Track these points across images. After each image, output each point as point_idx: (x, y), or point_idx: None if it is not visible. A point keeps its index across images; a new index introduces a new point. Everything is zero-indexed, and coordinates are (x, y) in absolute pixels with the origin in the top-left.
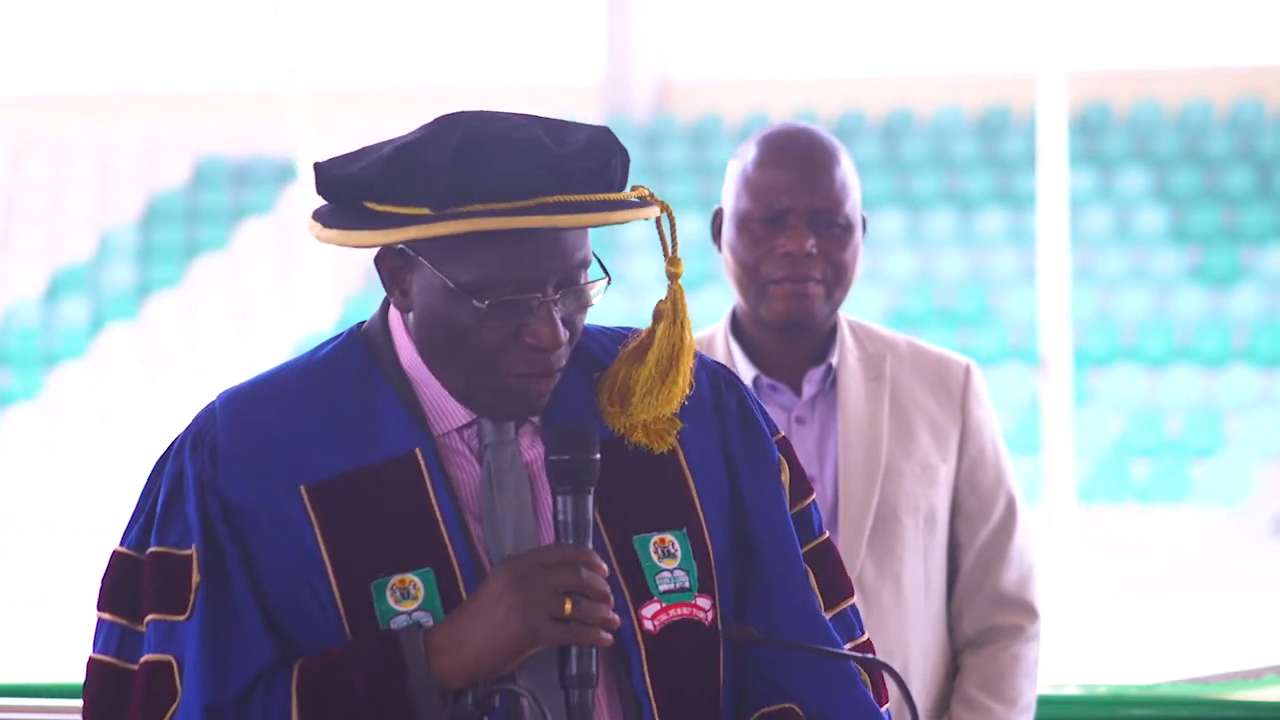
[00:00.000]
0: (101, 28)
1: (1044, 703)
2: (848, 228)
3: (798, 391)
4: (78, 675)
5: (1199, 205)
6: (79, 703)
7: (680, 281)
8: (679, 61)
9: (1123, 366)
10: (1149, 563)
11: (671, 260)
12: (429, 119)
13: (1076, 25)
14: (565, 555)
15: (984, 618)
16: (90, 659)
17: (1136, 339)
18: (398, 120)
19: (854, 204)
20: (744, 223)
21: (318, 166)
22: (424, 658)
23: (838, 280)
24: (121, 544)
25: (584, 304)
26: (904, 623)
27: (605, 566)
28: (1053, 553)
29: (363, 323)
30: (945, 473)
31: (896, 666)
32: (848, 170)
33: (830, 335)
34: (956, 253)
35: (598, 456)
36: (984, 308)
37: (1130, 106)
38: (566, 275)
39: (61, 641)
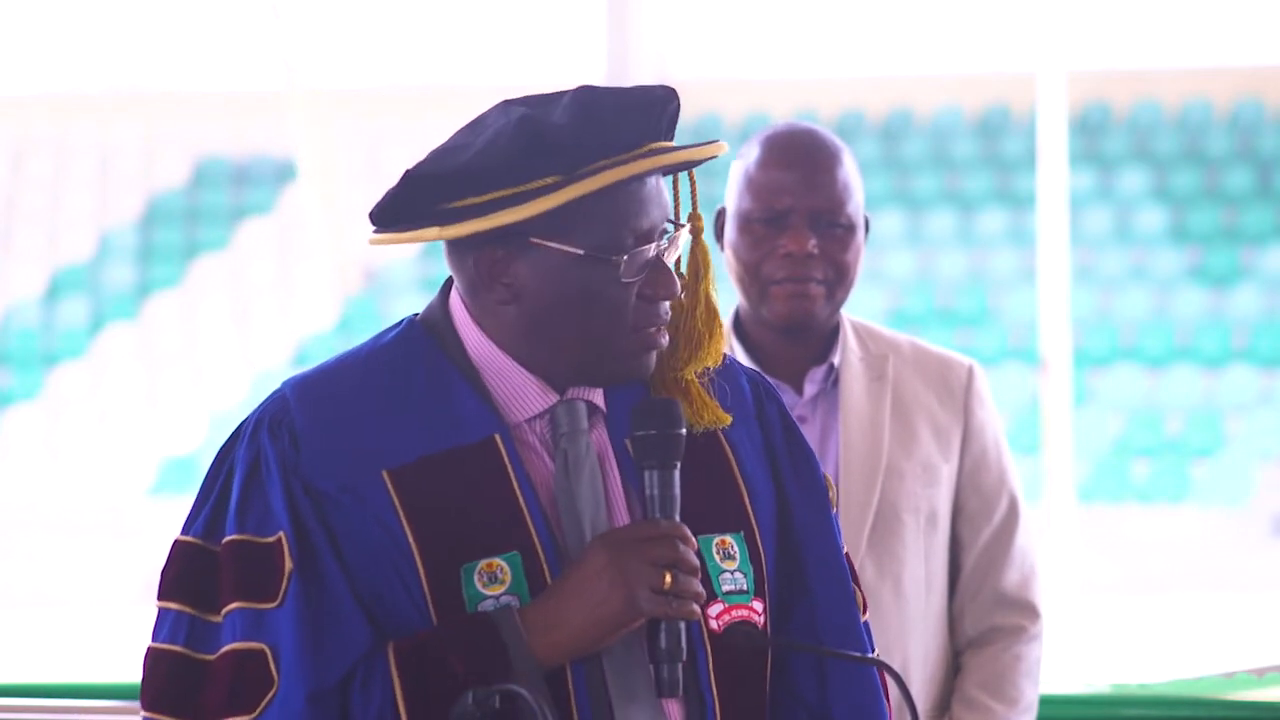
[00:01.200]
0: (101, 28)
1: (1044, 703)
2: (849, 228)
3: (799, 391)
4: (78, 675)
5: (1199, 205)
6: (79, 703)
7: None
8: (679, 61)
9: (1123, 366)
10: (1149, 563)
11: (694, 216)
12: (426, 119)
13: (1076, 25)
14: (661, 529)
15: (985, 618)
16: (151, 649)
17: (1136, 339)
18: (397, 120)
19: (856, 205)
20: (746, 223)
21: (412, 174)
22: (524, 638)
23: (839, 281)
24: (185, 533)
25: (675, 256)
26: (905, 622)
27: (694, 540)
28: (1053, 553)
29: (416, 315)
30: (947, 472)
31: (897, 666)
32: (850, 171)
33: (833, 335)
34: (956, 253)
35: (684, 431)
36: (984, 308)
37: (1130, 106)
38: (665, 225)
39: (61, 641)
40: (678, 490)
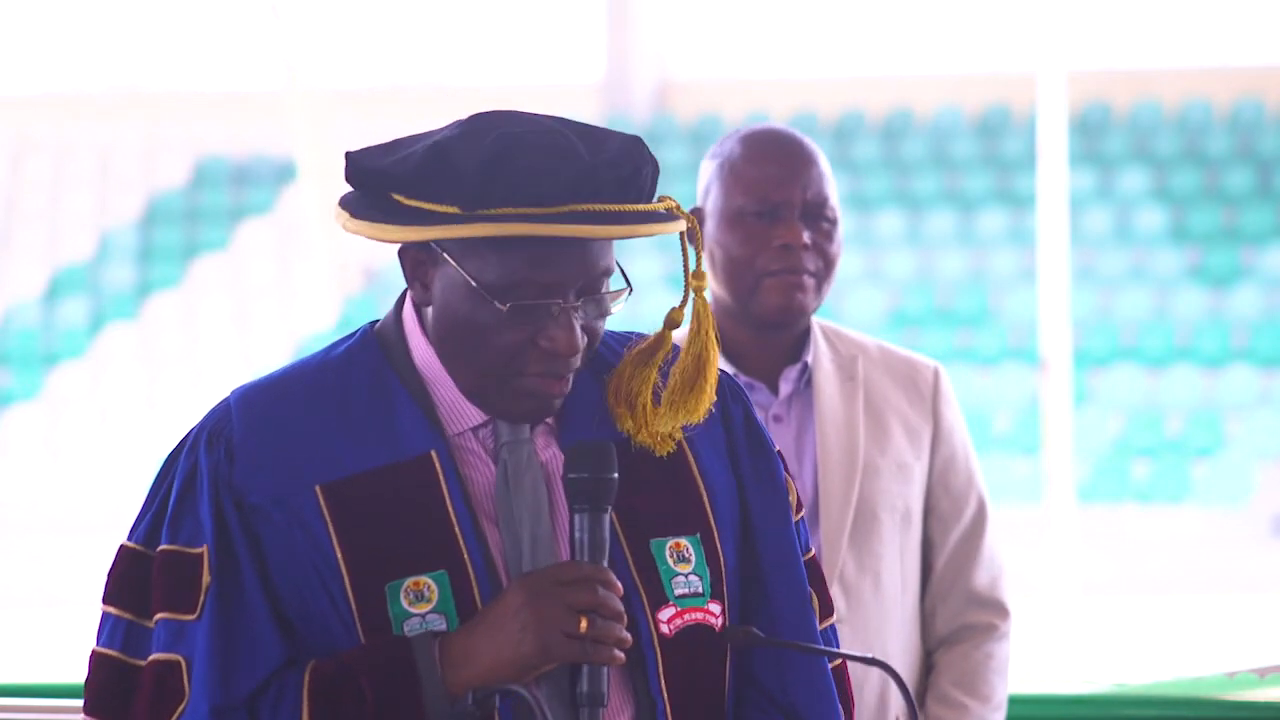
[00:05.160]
0: (101, 28)
1: (1043, 702)
2: (834, 222)
3: (774, 390)
4: (78, 675)
5: (1199, 205)
6: (79, 703)
7: (704, 295)
8: (679, 61)
9: (1123, 366)
10: (1149, 563)
11: (696, 274)
12: (427, 119)
13: (1076, 25)
14: (582, 573)
15: (957, 616)
16: (94, 652)
17: (1136, 339)
18: (398, 120)
19: (836, 200)
20: (738, 217)
21: (349, 156)
22: (437, 668)
23: (826, 273)
24: (130, 539)
25: (604, 312)
26: (884, 619)
27: (620, 585)
28: (1053, 553)
29: (376, 321)
30: (919, 471)
31: None
32: (827, 167)
33: (804, 335)
34: (956, 253)
35: (616, 475)
36: (984, 308)
37: (1130, 106)
38: (589, 283)
39: (61, 641)
40: (607, 533)
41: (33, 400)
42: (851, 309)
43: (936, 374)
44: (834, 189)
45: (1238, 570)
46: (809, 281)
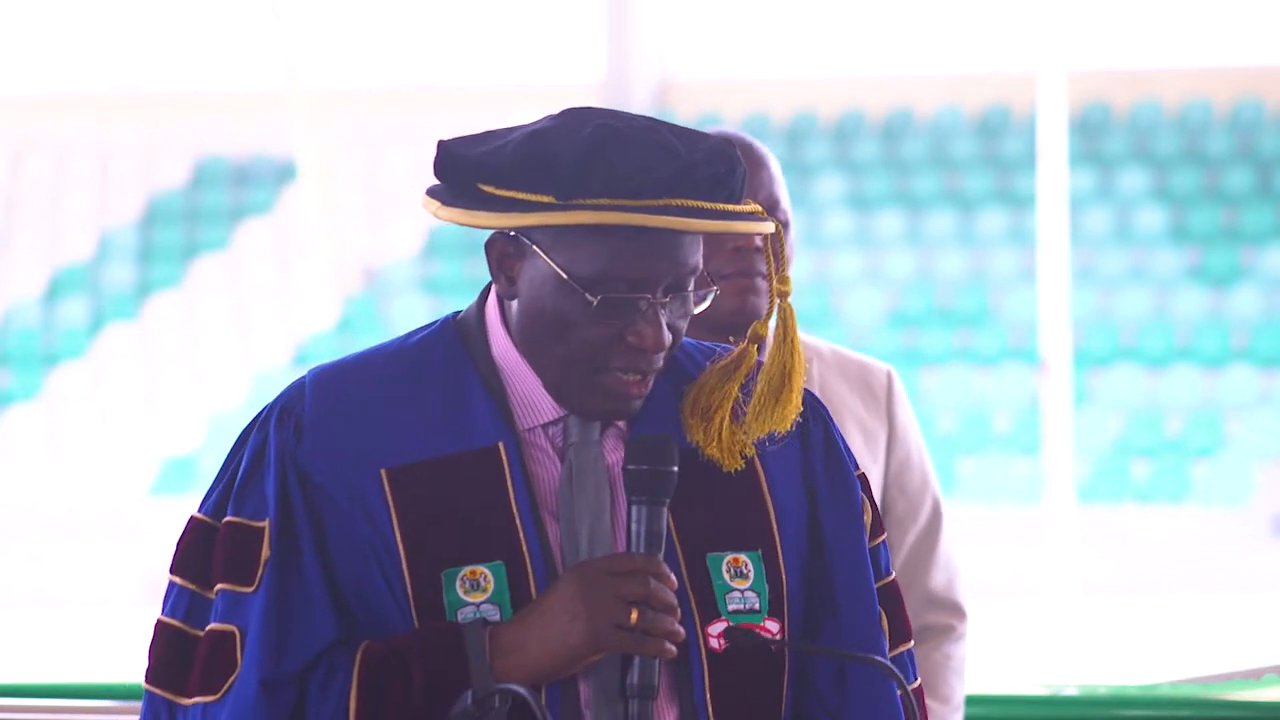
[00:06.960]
0: (101, 28)
1: (1044, 703)
2: (785, 224)
3: None
4: (78, 675)
5: (1199, 205)
6: (79, 703)
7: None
8: (679, 61)
9: (1123, 366)
10: (1149, 563)
11: (781, 279)
12: (427, 119)
13: (1076, 25)
14: (634, 564)
15: (915, 618)
16: (158, 621)
17: (1136, 339)
18: (398, 120)
19: (788, 202)
20: None
21: (442, 144)
22: (486, 655)
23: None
24: (200, 510)
25: (688, 311)
26: None
27: (674, 579)
28: (1053, 553)
29: (458, 312)
30: (876, 474)
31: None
32: (778, 170)
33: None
34: (956, 253)
35: (675, 469)
36: (984, 308)
37: (1130, 106)
38: (677, 280)
39: (61, 641)
40: (664, 526)
41: (33, 400)
42: (851, 309)
43: (889, 376)
44: (785, 191)
45: (1238, 570)
46: (762, 284)
